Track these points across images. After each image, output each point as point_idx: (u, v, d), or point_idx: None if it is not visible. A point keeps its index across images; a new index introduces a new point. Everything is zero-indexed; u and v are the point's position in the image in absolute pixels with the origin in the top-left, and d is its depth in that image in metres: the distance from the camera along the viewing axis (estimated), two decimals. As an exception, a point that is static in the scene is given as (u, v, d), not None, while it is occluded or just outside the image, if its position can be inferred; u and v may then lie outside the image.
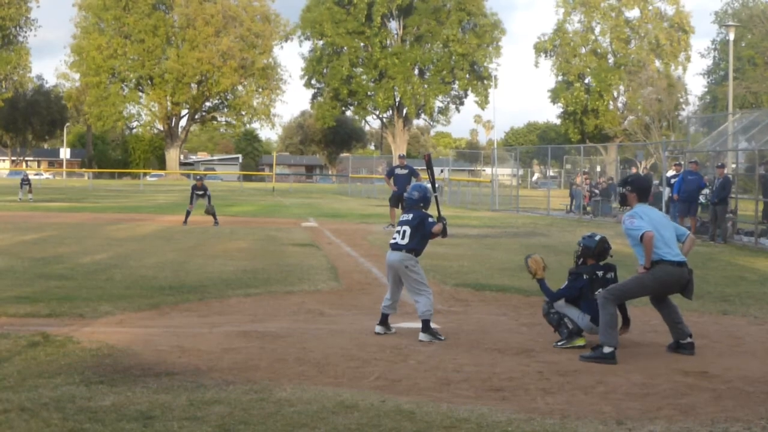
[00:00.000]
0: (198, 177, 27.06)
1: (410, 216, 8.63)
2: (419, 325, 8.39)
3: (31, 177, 42.56)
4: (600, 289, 8.00)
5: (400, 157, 25.77)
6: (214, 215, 23.67)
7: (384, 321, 8.52)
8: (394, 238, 8.58)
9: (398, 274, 8.43)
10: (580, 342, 7.98)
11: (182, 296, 10.51)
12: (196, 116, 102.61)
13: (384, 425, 5.29)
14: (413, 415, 5.53)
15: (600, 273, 8.21)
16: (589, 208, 33.26)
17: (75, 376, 6.33)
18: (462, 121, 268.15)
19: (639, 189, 7.95)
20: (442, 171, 57.09)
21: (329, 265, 14.47)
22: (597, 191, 33.35)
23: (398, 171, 23.05)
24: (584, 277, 8.22)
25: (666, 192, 26.16)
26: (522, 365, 7.19)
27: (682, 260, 7.69)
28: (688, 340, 7.84)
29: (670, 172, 26.17)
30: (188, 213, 24.09)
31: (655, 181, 31.50)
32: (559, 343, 8.01)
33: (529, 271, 8.48)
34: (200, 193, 24.04)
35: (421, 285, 8.42)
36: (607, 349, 7.40)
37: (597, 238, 8.42)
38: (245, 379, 6.38)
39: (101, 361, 6.85)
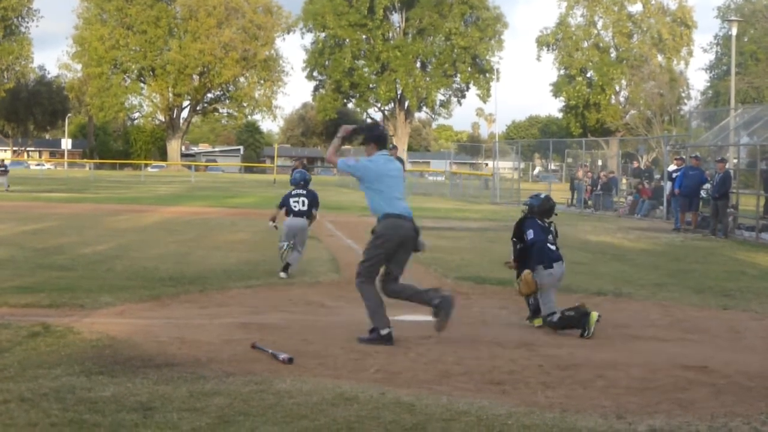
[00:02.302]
0: (297, 157, 26.82)
1: (305, 191, 12.09)
2: (418, 318, 8.50)
3: (32, 167, 42.38)
4: (550, 236, 8.62)
5: (390, 148, 25.98)
6: None
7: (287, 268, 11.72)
8: (297, 207, 11.92)
9: (298, 233, 11.87)
10: (536, 322, 8.48)
11: (183, 287, 10.51)
12: (198, 108, 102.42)
13: (384, 417, 5.29)
14: (413, 407, 5.53)
15: (547, 223, 8.80)
16: (590, 202, 33.25)
17: (75, 366, 6.33)
18: (464, 114, 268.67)
19: (380, 137, 7.94)
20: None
21: (330, 257, 14.48)
22: (598, 185, 33.34)
23: None
24: (538, 221, 8.72)
25: (668, 186, 26.17)
26: (522, 359, 7.19)
27: (405, 213, 7.67)
28: (441, 296, 7.64)
29: (672, 167, 26.16)
30: None
31: (657, 176, 31.53)
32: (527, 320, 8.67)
33: (520, 292, 8.64)
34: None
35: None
36: (384, 331, 7.56)
37: (542, 196, 8.97)
38: (245, 371, 6.38)
39: (101, 352, 6.85)
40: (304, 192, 12.02)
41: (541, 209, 8.76)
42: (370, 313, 7.66)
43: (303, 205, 11.85)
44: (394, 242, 7.61)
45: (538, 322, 8.56)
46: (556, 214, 8.93)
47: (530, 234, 8.56)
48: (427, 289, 7.90)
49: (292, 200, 11.95)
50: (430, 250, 15.66)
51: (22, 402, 5.40)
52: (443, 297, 7.62)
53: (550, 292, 8.48)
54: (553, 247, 8.60)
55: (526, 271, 8.44)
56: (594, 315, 8.19)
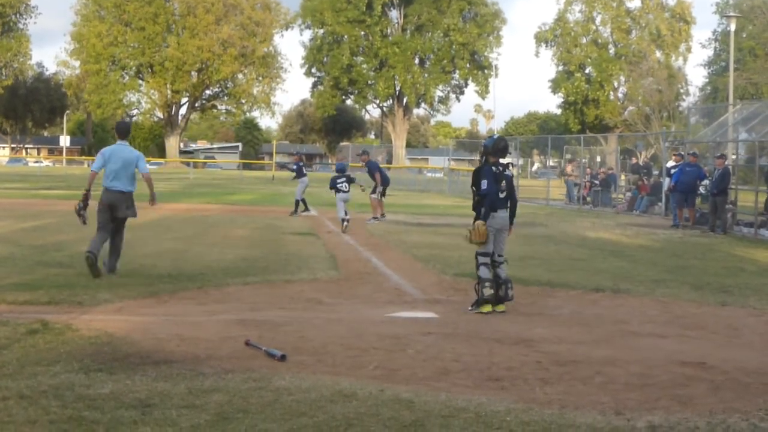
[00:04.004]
0: (296, 152, 28.02)
1: (345, 177, 19.08)
2: (417, 314, 8.52)
3: (30, 164, 42.31)
4: (504, 182, 9.17)
5: (359, 153, 26.46)
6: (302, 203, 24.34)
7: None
8: (342, 187, 18.92)
9: (347, 201, 18.93)
10: (485, 309, 8.96)
11: (181, 284, 10.50)
12: (196, 104, 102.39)
13: (382, 414, 5.29)
14: (412, 404, 5.53)
15: (501, 168, 9.25)
16: (588, 199, 33.22)
17: (74, 363, 6.33)
18: (462, 111, 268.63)
19: (119, 130, 11.53)
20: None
21: (328, 254, 14.47)
22: (597, 181, 33.32)
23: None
24: (493, 169, 9.16)
25: (666, 182, 26.20)
26: (520, 355, 7.19)
27: (116, 189, 11.16)
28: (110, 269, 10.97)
29: (671, 163, 26.20)
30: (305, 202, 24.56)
31: (656, 172, 31.56)
32: (469, 309, 9.10)
33: (471, 240, 9.23)
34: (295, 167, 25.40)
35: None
36: (90, 252, 10.66)
37: (495, 137, 9.64)
38: (244, 368, 6.37)
39: (100, 349, 6.85)
40: (344, 178, 19.03)
41: (494, 148, 9.31)
42: (94, 242, 10.85)
43: (346, 187, 18.94)
44: (106, 206, 11.13)
45: (501, 308, 9.06)
46: (510, 153, 9.30)
47: (484, 185, 9.12)
48: (116, 260, 11.21)
49: (338, 183, 18.90)
50: (429, 247, 15.71)
51: (21, 399, 5.39)
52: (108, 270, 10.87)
53: (489, 240, 9.14)
54: (502, 195, 9.22)
55: (480, 221, 9.07)
56: (500, 308, 9.04)
